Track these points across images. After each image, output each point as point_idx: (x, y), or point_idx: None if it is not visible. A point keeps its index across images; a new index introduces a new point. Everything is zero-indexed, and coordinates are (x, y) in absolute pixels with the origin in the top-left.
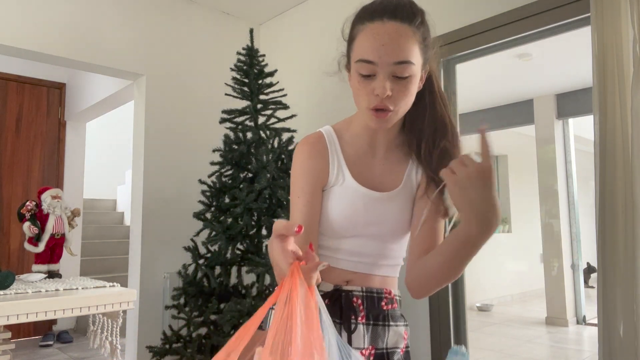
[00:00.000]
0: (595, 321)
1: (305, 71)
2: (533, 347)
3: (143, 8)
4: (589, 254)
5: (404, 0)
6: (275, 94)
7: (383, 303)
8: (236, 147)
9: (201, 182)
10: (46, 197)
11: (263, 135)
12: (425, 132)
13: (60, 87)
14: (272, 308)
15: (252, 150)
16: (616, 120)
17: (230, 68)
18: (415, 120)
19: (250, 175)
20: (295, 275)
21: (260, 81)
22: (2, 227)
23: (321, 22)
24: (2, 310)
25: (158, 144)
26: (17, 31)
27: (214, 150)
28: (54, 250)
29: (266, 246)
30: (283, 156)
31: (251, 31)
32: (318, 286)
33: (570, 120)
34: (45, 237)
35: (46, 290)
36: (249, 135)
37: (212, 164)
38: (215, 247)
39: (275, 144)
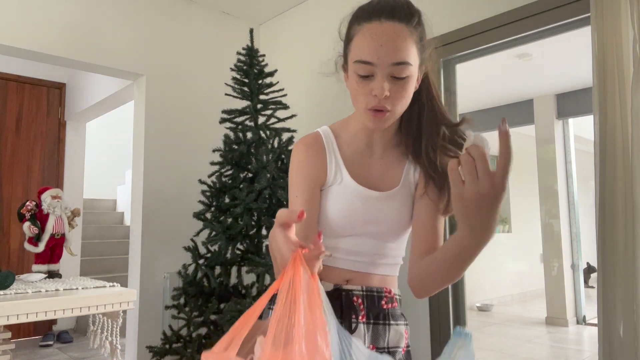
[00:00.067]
0: (595, 321)
1: (305, 71)
2: (533, 347)
3: (143, 8)
4: (589, 254)
5: (401, 1)
6: (275, 94)
7: (383, 302)
8: (236, 147)
9: (201, 182)
10: (46, 197)
11: (263, 135)
12: (425, 131)
13: (60, 87)
14: (270, 307)
15: (252, 150)
16: (616, 120)
17: (230, 68)
18: (412, 120)
19: (250, 175)
20: (298, 263)
21: (260, 81)
22: (2, 227)
23: (321, 22)
24: (2, 310)
25: (158, 144)
26: (17, 31)
27: (214, 150)
28: (54, 250)
29: (266, 246)
30: (283, 156)
31: (251, 31)
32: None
33: (570, 120)
34: (45, 237)
35: (46, 290)
36: (249, 135)
37: (212, 164)
38: (215, 247)
39: (275, 144)
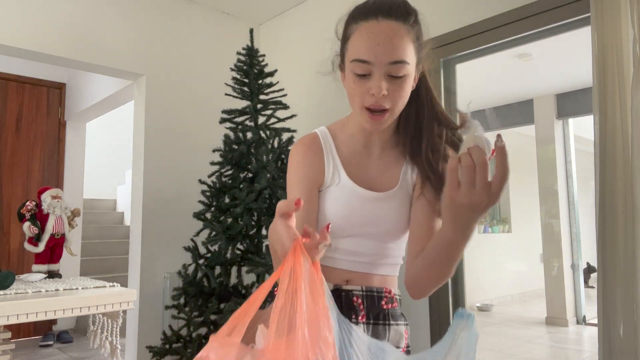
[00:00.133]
0: (595, 321)
1: (305, 71)
2: (533, 347)
3: (143, 8)
4: (589, 254)
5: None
6: (275, 94)
7: (383, 302)
8: (236, 147)
9: (201, 182)
10: (46, 197)
11: (263, 135)
12: (423, 131)
13: (60, 87)
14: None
15: (252, 150)
16: (616, 120)
17: (230, 68)
18: (409, 119)
19: (250, 175)
20: (298, 251)
21: (260, 81)
22: (2, 227)
23: (321, 22)
24: (2, 310)
25: (158, 144)
26: (17, 31)
27: (214, 150)
28: (54, 250)
29: (266, 246)
30: (283, 156)
31: (251, 31)
32: None
33: (570, 120)
34: (45, 237)
35: (46, 290)
36: (249, 135)
37: (212, 164)
38: (215, 247)
39: (275, 144)
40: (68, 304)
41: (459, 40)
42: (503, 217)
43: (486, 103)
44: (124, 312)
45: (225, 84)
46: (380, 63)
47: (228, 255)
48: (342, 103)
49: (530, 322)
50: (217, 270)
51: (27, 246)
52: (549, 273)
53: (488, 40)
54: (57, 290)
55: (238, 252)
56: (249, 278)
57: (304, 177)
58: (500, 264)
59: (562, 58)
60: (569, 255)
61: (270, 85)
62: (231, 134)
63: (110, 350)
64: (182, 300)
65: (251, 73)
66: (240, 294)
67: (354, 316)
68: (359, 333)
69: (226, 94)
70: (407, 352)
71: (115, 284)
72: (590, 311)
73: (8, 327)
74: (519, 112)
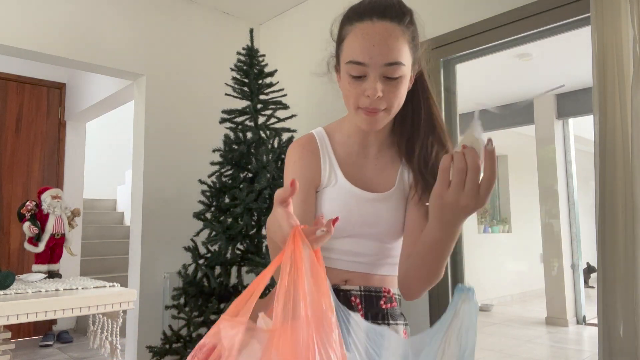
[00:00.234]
0: (595, 321)
1: (305, 71)
2: (533, 347)
3: (143, 8)
4: (589, 254)
5: (392, 0)
6: (275, 94)
7: (382, 302)
8: (236, 147)
9: (201, 182)
10: (46, 197)
11: (263, 135)
12: (420, 133)
13: (60, 87)
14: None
15: (252, 150)
16: (616, 120)
17: (230, 68)
18: (405, 120)
19: (250, 175)
20: (297, 238)
21: (260, 81)
22: (2, 227)
23: (321, 22)
24: (2, 310)
25: (158, 144)
26: (17, 31)
27: (214, 150)
28: (54, 250)
29: (266, 246)
30: (283, 156)
31: (251, 31)
32: None
33: (570, 120)
34: (45, 237)
35: (46, 290)
36: (249, 135)
37: (212, 164)
38: (215, 247)
39: (275, 144)
40: (68, 304)
41: (459, 40)
42: (503, 217)
43: (486, 103)
44: (124, 312)
45: (225, 84)
46: (376, 65)
47: (228, 255)
48: (342, 103)
49: (530, 322)
50: (217, 270)
51: (27, 246)
52: (549, 273)
53: (488, 40)
54: (57, 290)
55: (238, 252)
56: (249, 278)
57: (301, 177)
58: (500, 264)
59: (562, 58)
60: (569, 255)
61: (270, 85)
62: (231, 134)
63: (110, 350)
64: (182, 300)
65: (251, 73)
66: (240, 294)
67: None
68: (357, 319)
69: (226, 94)
70: None
71: (115, 284)
72: (590, 311)
73: (8, 327)
74: (519, 112)
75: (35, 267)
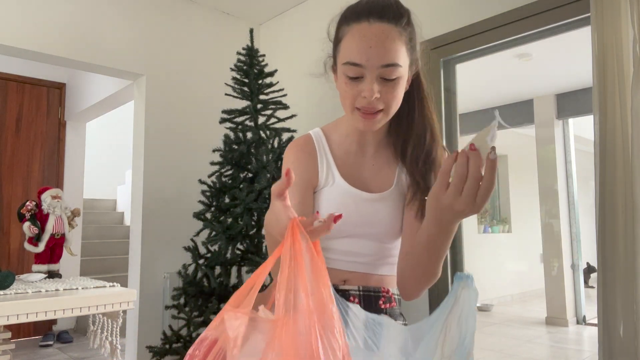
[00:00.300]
0: (595, 321)
1: (305, 71)
2: (533, 347)
3: (143, 8)
4: (589, 254)
5: (390, 0)
6: (275, 94)
7: (381, 302)
8: (236, 147)
9: (201, 182)
10: (46, 197)
11: (263, 135)
12: (413, 133)
13: (60, 87)
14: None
15: (252, 150)
16: (616, 120)
17: (230, 68)
18: (401, 121)
19: (250, 175)
20: (296, 229)
21: (260, 81)
22: (2, 227)
23: (321, 22)
24: (2, 310)
25: (158, 144)
26: (17, 31)
27: (214, 150)
28: (54, 250)
29: (267, 246)
30: (283, 156)
31: (251, 31)
32: None
33: (570, 120)
34: (45, 237)
35: (46, 290)
36: (249, 135)
37: (212, 164)
38: (215, 247)
39: (275, 144)
40: (68, 304)
41: (459, 40)
42: (503, 217)
43: (486, 103)
44: (124, 312)
45: (225, 84)
46: (372, 66)
47: (228, 255)
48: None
49: (530, 322)
50: (217, 270)
51: (27, 246)
52: (549, 273)
53: (488, 40)
54: (57, 290)
55: (238, 252)
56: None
57: (298, 178)
58: (500, 264)
59: (562, 58)
60: (569, 255)
61: (270, 85)
62: (231, 134)
63: (110, 350)
64: (182, 300)
65: (251, 73)
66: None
67: None
68: (355, 310)
69: (226, 94)
70: None
71: (115, 284)
72: (590, 311)
73: (8, 327)
74: (519, 112)
75: (35, 267)
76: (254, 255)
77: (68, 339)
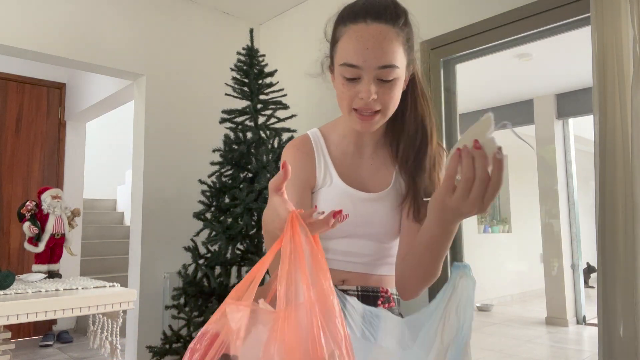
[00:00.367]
0: (595, 321)
1: (305, 71)
2: (533, 347)
3: (143, 8)
4: (589, 254)
5: (387, 0)
6: (275, 94)
7: (379, 302)
8: (236, 147)
9: (201, 182)
10: (46, 197)
11: (263, 135)
12: (405, 132)
13: (60, 87)
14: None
15: (252, 150)
16: (616, 120)
17: (230, 68)
18: (397, 121)
19: (250, 175)
20: (295, 222)
21: (260, 81)
22: (2, 227)
23: (321, 22)
24: (2, 310)
25: (158, 144)
26: (17, 31)
27: (214, 150)
28: (54, 250)
29: (265, 245)
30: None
31: (251, 31)
32: None
33: (570, 120)
34: (45, 237)
35: (46, 290)
36: (249, 135)
37: (212, 164)
38: (215, 247)
39: (275, 144)
40: (68, 304)
41: (459, 40)
42: (503, 217)
43: (486, 103)
44: (124, 312)
45: (225, 84)
46: (370, 67)
47: (228, 255)
48: None
49: (530, 322)
50: (217, 270)
51: (27, 246)
52: (549, 273)
53: (488, 40)
54: (57, 290)
55: (238, 252)
56: None
57: (295, 179)
58: (500, 264)
59: (562, 58)
60: (569, 255)
61: (270, 85)
62: (231, 134)
63: (110, 350)
64: (182, 300)
65: (251, 73)
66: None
67: None
68: (353, 303)
69: (226, 94)
70: None
71: (115, 284)
72: (590, 311)
73: (8, 327)
74: (519, 112)
75: (35, 267)
76: (254, 255)
77: (68, 339)
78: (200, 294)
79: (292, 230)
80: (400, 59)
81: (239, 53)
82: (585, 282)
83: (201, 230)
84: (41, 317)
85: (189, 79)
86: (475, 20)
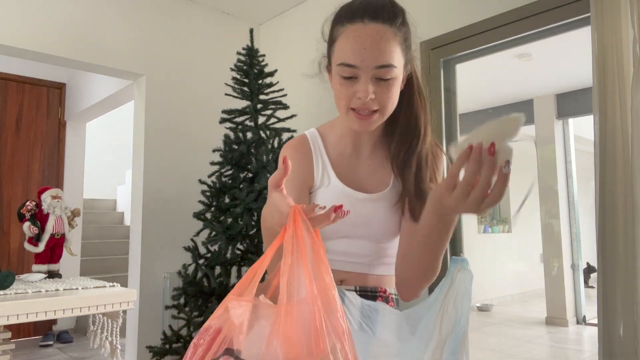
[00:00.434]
0: (595, 321)
1: (305, 71)
2: (533, 347)
3: (143, 8)
4: (589, 254)
5: (384, 0)
6: (275, 94)
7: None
8: (236, 147)
9: (201, 182)
10: (46, 197)
11: (263, 135)
12: (397, 130)
13: (60, 87)
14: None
15: (252, 150)
16: (616, 120)
17: (230, 68)
18: (392, 120)
19: (250, 175)
20: (297, 217)
21: (260, 81)
22: (2, 227)
23: (321, 23)
24: (2, 310)
25: (158, 144)
26: (17, 31)
27: (214, 150)
28: (54, 250)
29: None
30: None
31: (251, 31)
32: None
33: (570, 120)
34: (45, 237)
35: (46, 290)
36: (249, 135)
37: (212, 164)
38: (215, 247)
39: (275, 144)
40: (68, 304)
41: (459, 40)
42: (503, 217)
43: (486, 103)
44: (124, 312)
45: (225, 84)
46: (367, 67)
47: (228, 255)
48: None
49: (530, 322)
50: (217, 270)
51: (27, 246)
52: (549, 273)
53: (488, 40)
54: (57, 290)
55: (238, 252)
56: None
57: (293, 179)
58: (500, 264)
59: (562, 58)
60: (569, 255)
61: (270, 85)
62: (231, 134)
63: (110, 350)
64: (182, 300)
65: (251, 73)
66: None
67: None
68: (351, 297)
69: (226, 94)
70: None
71: (115, 284)
72: (590, 311)
73: (8, 327)
74: (518, 112)
75: (35, 267)
76: (254, 255)
77: (68, 339)
78: (200, 294)
79: (294, 225)
80: (397, 59)
81: (239, 53)
82: (585, 282)
83: (201, 230)
84: (41, 317)
85: (189, 79)
86: (475, 20)
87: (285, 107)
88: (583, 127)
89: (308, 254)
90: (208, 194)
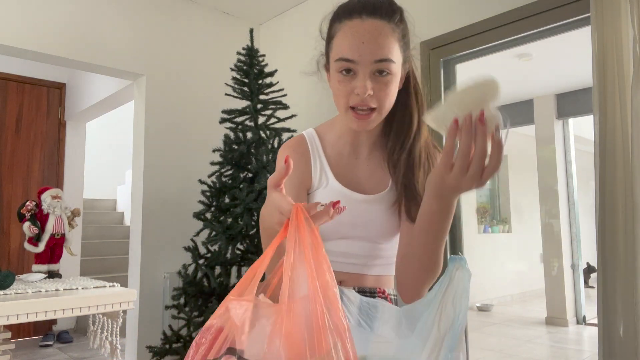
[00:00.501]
0: (595, 321)
1: (305, 71)
2: (533, 347)
3: (143, 8)
4: (589, 254)
5: None
6: (275, 94)
7: None
8: (236, 147)
9: (201, 182)
10: (46, 197)
11: (263, 135)
12: (393, 128)
13: (60, 87)
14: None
15: (252, 150)
16: (616, 120)
17: (230, 68)
18: (389, 120)
19: (250, 175)
20: (300, 214)
21: (260, 81)
22: (2, 227)
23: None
24: (2, 310)
25: (158, 144)
26: (17, 31)
27: (214, 150)
28: (54, 250)
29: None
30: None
31: (251, 31)
32: None
33: (570, 120)
34: (45, 237)
35: (46, 290)
36: (249, 135)
37: (212, 164)
38: (215, 247)
39: (275, 144)
40: (68, 304)
41: (459, 40)
42: (503, 217)
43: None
44: (124, 312)
45: (225, 84)
46: (365, 62)
47: (228, 255)
48: None
49: (530, 322)
50: (217, 270)
51: (27, 246)
52: (549, 273)
53: (488, 40)
54: (57, 290)
55: (238, 252)
56: None
57: (292, 179)
58: (500, 264)
59: (562, 58)
60: (569, 255)
61: (270, 85)
62: (231, 134)
63: (110, 350)
64: (182, 300)
65: (251, 73)
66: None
67: None
68: (349, 295)
69: (226, 94)
70: None
71: (115, 284)
72: (590, 311)
73: (8, 327)
74: (519, 112)
75: (35, 267)
76: (254, 255)
77: (68, 339)
78: (200, 294)
79: (297, 222)
80: (396, 54)
81: (239, 53)
82: (585, 282)
83: (201, 230)
84: (41, 317)
85: (189, 79)
86: (475, 20)
87: (285, 107)
88: (583, 127)
89: (310, 251)
90: (208, 194)
